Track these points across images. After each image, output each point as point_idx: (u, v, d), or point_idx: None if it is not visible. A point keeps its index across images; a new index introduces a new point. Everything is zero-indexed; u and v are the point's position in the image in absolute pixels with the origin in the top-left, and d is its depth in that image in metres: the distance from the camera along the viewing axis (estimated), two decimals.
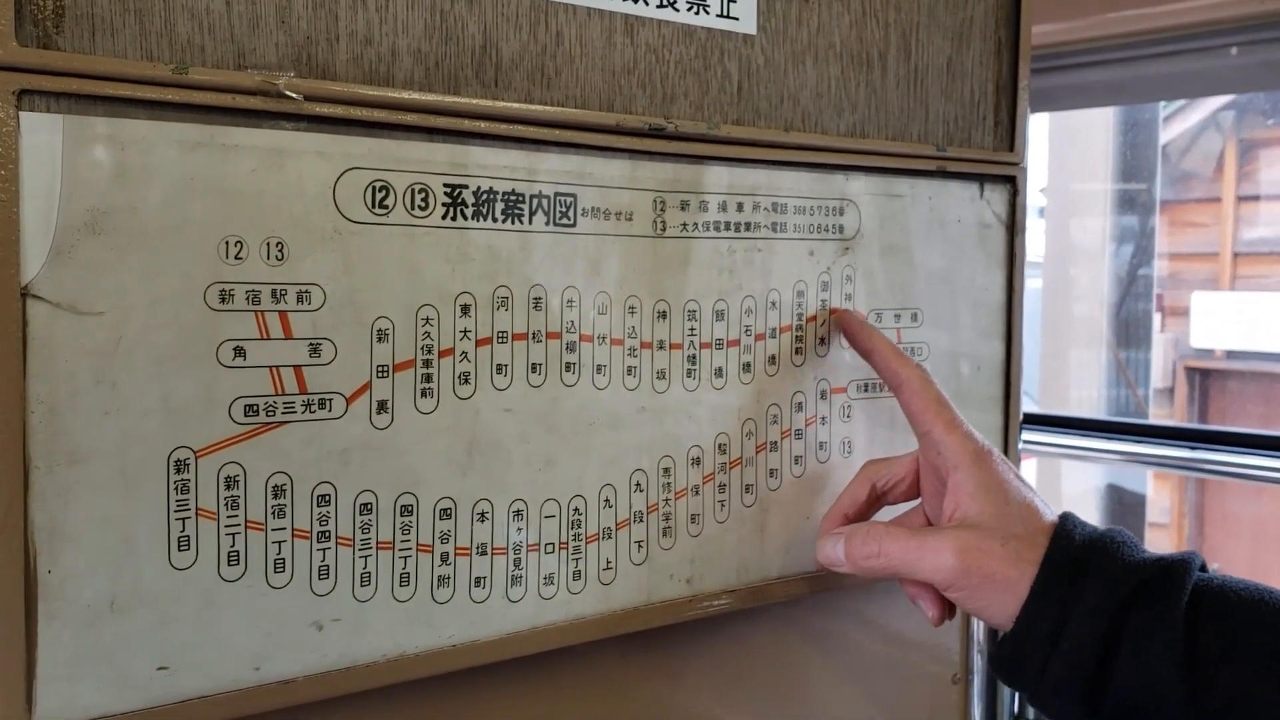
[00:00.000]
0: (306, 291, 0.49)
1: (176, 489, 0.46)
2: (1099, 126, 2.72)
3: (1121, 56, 1.35)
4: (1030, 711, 0.81)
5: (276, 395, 0.48)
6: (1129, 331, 2.83)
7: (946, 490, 0.55)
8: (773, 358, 0.64)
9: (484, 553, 0.55)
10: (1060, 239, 2.75)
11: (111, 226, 0.45)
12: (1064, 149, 2.75)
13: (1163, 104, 2.86)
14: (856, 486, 0.62)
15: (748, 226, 0.63)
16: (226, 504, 0.48)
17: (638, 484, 0.60)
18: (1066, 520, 0.53)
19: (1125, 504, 2.67)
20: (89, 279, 0.44)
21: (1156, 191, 2.84)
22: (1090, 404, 2.79)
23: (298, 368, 0.49)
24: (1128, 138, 2.75)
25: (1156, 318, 3.07)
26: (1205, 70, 1.31)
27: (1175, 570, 0.49)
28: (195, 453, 0.47)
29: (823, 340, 0.66)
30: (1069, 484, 2.69)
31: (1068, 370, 2.74)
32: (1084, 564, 0.50)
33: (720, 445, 0.63)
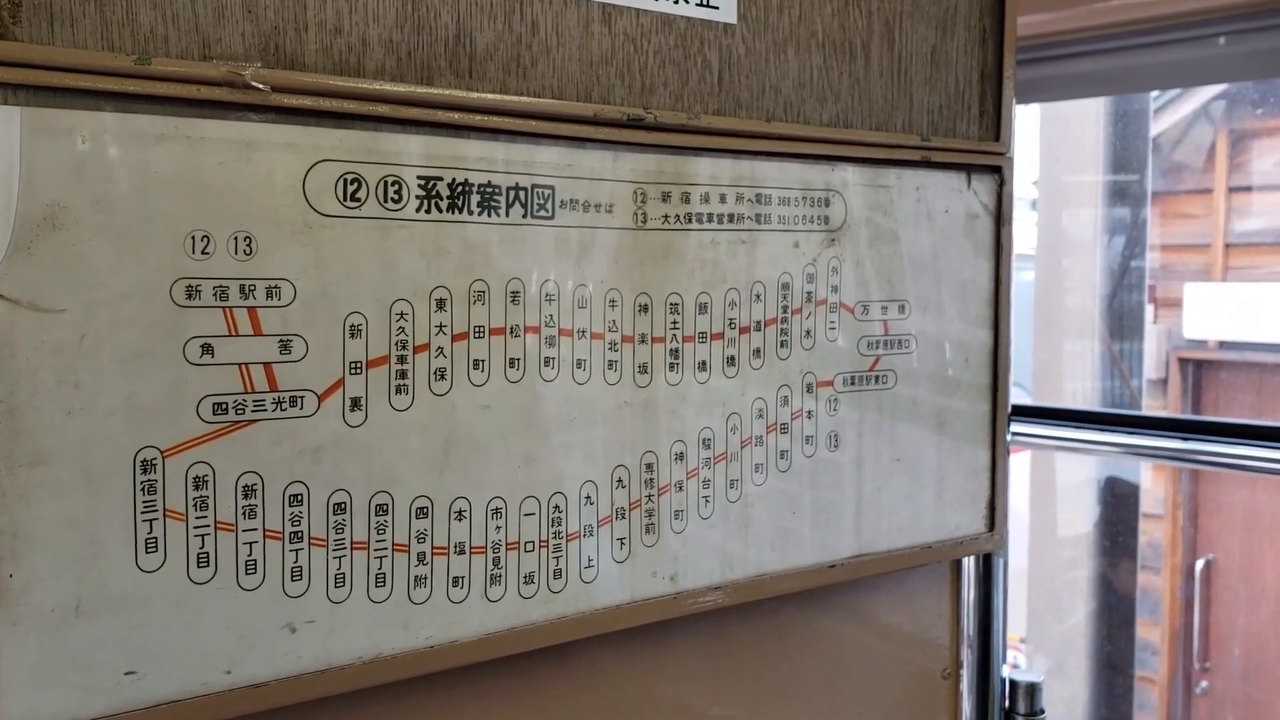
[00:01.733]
0: (276, 287, 0.48)
1: (143, 490, 0.45)
2: (1090, 118, 2.71)
3: (1110, 47, 1.34)
4: (1020, 706, 0.81)
5: (246, 393, 0.47)
6: (1122, 323, 2.82)
7: None
8: (757, 351, 0.63)
9: (462, 552, 0.54)
10: (1052, 231, 2.75)
11: (73, 221, 0.43)
12: (1055, 141, 2.74)
13: (1153, 95, 2.85)
14: None
15: (731, 218, 0.62)
16: (195, 505, 0.47)
17: (620, 480, 0.59)
18: None
19: (1119, 496, 2.66)
20: (50, 275, 0.43)
21: (1148, 183, 2.84)
22: (1084, 396, 2.78)
23: (268, 365, 0.48)
24: (1119, 129, 2.74)
25: (1149, 309, 3.07)
26: (1194, 60, 1.30)
27: None
28: (162, 452, 0.46)
29: (808, 333, 0.65)
30: (1063, 476, 2.68)
31: (1061, 362, 2.74)
32: None
33: (704, 440, 0.62)
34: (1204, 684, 2.89)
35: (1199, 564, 3.17)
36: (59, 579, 0.44)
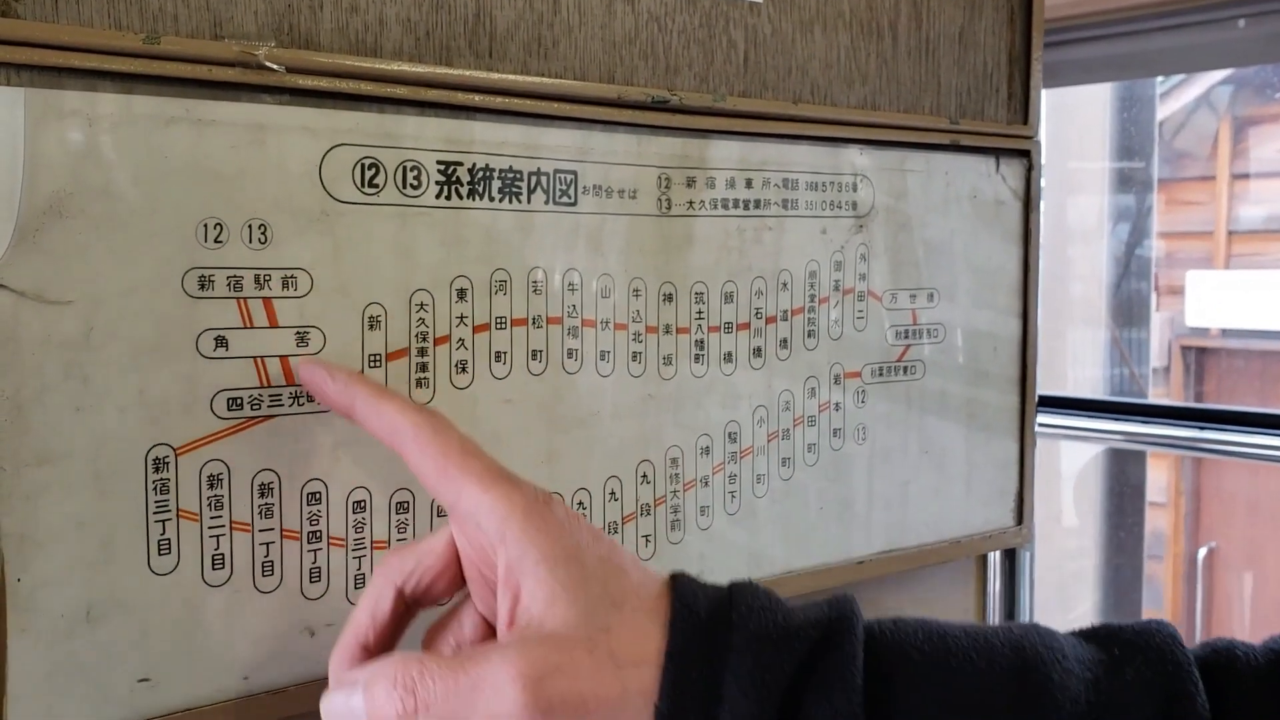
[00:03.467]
0: (292, 277, 0.46)
1: (155, 489, 0.43)
2: (1096, 103, 2.69)
3: (1126, 30, 1.32)
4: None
5: (262, 387, 0.45)
6: (1127, 311, 2.81)
7: (498, 577, 0.37)
8: (784, 341, 0.62)
9: None
10: (1058, 218, 2.73)
11: (80, 209, 0.41)
12: (1060, 127, 2.72)
13: (1159, 81, 2.83)
14: (376, 594, 0.40)
15: (757, 204, 0.60)
16: (210, 504, 0.45)
17: (644, 475, 0.57)
18: (680, 587, 0.37)
19: (1125, 484, 2.65)
20: (56, 265, 0.41)
21: (1154, 169, 2.82)
22: (1090, 384, 2.77)
23: (284, 358, 0.46)
24: (1126, 115, 2.72)
25: (1153, 297, 3.05)
26: (1212, 43, 1.28)
27: (839, 635, 0.37)
28: (175, 450, 0.44)
29: (836, 322, 0.63)
30: (1068, 464, 2.67)
31: (1067, 350, 2.72)
32: (720, 652, 0.35)
33: (730, 434, 0.60)
34: None
35: (1201, 552, 3.16)
36: (68, 583, 0.42)
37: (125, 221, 0.42)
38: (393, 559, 0.41)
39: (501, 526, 0.36)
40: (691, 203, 0.57)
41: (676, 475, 0.58)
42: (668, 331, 0.57)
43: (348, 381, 0.43)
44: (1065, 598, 2.62)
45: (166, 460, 0.44)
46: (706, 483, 0.59)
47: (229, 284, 0.45)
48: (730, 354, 0.60)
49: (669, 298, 0.57)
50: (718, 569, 0.60)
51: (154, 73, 0.43)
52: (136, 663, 0.43)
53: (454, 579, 0.40)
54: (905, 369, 0.67)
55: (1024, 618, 0.78)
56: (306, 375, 0.44)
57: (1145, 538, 2.73)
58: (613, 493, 0.56)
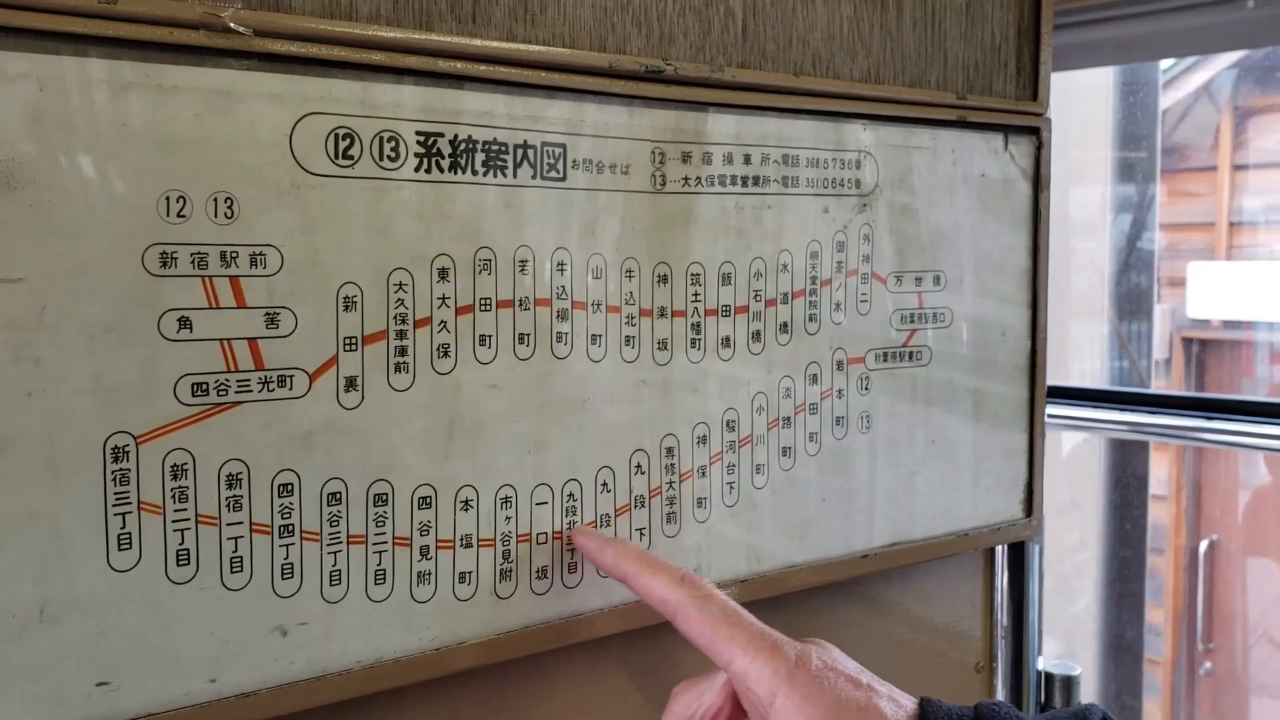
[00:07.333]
0: (261, 254, 0.43)
1: (115, 480, 0.41)
2: (1099, 91, 2.66)
3: (1133, 12, 1.29)
4: (1057, 699, 0.77)
5: (229, 372, 0.43)
6: (1130, 303, 2.78)
7: None
8: (784, 325, 0.59)
9: (469, 545, 0.49)
10: (1060, 208, 2.70)
11: (29, 179, 0.39)
12: (1062, 115, 2.69)
13: (1161, 71, 2.79)
14: None
15: (756, 180, 0.57)
16: (174, 496, 0.42)
17: (638, 466, 0.54)
18: (928, 717, 0.43)
19: (1129, 476, 2.63)
20: (4, 240, 0.38)
21: (1157, 159, 2.79)
22: (1091, 376, 2.74)
23: (253, 340, 0.43)
24: (1131, 100, 2.69)
25: (1155, 288, 3.02)
26: (1222, 24, 1.25)
27: None
28: (136, 438, 0.41)
29: (838, 306, 0.61)
30: (1070, 456, 2.65)
31: (1070, 342, 2.70)
32: None
33: (728, 422, 0.57)
34: (1208, 664, 2.86)
35: (1203, 545, 3.14)
36: (20, 580, 0.39)
37: (80, 193, 0.39)
38: (681, 696, 0.47)
39: (769, 695, 0.42)
40: (687, 179, 0.55)
41: (672, 465, 0.55)
42: (662, 315, 0.55)
43: (616, 558, 0.48)
44: (1068, 590, 2.60)
45: (126, 449, 0.41)
46: (704, 473, 0.56)
47: (193, 261, 0.42)
48: (728, 338, 0.57)
49: (664, 279, 0.54)
50: (716, 564, 0.57)
51: (111, 34, 0.40)
52: (95, 665, 0.41)
53: (732, 713, 0.46)
54: (910, 355, 0.64)
55: (1032, 613, 0.76)
56: (580, 544, 0.51)
57: (1148, 530, 2.70)
58: (605, 484, 0.53)
